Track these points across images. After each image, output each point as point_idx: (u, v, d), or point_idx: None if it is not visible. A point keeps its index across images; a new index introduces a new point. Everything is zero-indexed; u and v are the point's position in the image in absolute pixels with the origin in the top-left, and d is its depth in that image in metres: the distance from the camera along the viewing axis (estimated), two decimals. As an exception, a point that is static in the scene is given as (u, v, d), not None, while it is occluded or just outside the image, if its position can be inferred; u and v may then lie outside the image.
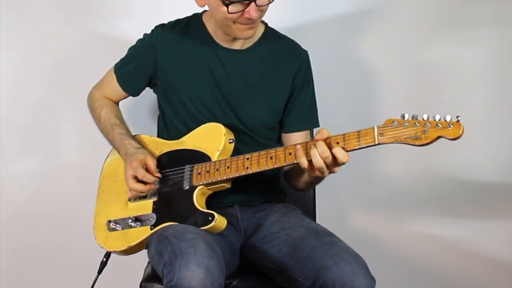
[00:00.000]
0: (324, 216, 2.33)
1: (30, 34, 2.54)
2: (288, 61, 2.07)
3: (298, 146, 1.77)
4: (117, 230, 1.99)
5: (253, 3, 1.85)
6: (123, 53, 2.16)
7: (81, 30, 2.55)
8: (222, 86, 2.02)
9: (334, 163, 1.74)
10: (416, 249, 2.70)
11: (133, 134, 2.12)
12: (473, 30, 2.56)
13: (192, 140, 2.00)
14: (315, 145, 1.74)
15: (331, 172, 1.77)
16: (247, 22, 1.89)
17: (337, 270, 1.72)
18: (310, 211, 2.28)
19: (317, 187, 2.29)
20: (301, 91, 2.08)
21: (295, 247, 1.86)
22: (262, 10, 1.90)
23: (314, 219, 2.28)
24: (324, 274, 1.73)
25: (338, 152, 1.72)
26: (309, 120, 2.12)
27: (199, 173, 1.91)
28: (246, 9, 1.86)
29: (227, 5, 1.86)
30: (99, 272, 2.09)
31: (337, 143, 1.74)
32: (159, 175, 1.95)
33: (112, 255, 2.07)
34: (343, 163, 1.74)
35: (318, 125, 2.13)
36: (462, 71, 2.59)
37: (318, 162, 1.73)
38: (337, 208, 2.68)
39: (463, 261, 2.69)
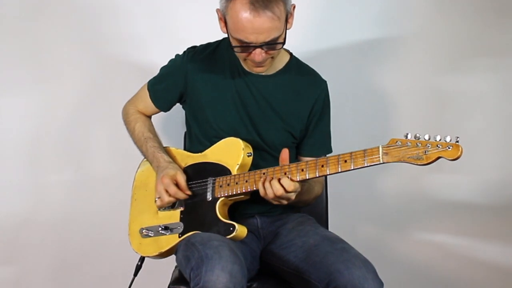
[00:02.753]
0: (336, 225, 2.37)
1: (64, 62, 2.65)
2: (308, 91, 2.12)
3: (263, 178, 1.87)
4: (150, 236, 2.06)
5: (258, 49, 1.89)
6: (147, 74, 2.23)
7: (109, 54, 2.65)
8: (247, 107, 2.07)
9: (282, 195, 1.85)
10: (420, 256, 2.75)
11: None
12: (484, 58, 2.64)
13: (214, 154, 2.07)
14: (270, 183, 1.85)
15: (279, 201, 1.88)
16: (254, 62, 1.96)
17: (348, 274, 1.79)
18: (323, 220, 2.35)
19: (330, 199, 2.37)
20: (319, 120, 2.15)
21: (310, 253, 1.93)
22: (269, 54, 1.94)
23: (327, 228, 2.34)
24: (337, 278, 1.81)
25: (285, 182, 1.84)
26: (324, 147, 2.19)
27: (221, 186, 1.98)
28: (252, 53, 1.92)
29: (232, 48, 1.94)
30: (135, 274, 2.17)
31: (285, 173, 1.85)
32: (189, 192, 2.01)
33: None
34: (290, 192, 1.85)
35: (331, 151, 2.19)
36: (465, 98, 2.66)
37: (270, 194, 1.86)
38: (348, 218, 2.72)
39: (463, 266, 2.75)
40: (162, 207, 2.09)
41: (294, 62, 2.16)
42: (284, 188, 1.86)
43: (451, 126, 2.65)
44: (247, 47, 1.91)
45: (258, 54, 1.91)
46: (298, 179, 1.87)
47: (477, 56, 2.66)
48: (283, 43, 1.93)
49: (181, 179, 2.02)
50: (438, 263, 2.75)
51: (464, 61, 2.67)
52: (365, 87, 2.70)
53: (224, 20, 1.92)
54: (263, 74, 2.07)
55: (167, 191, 2.02)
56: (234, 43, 1.93)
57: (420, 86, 2.70)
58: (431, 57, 2.68)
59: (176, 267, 2.16)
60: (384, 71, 2.69)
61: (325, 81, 2.19)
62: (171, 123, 2.61)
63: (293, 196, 1.89)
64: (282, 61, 2.12)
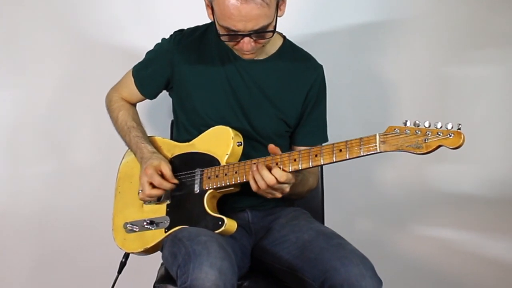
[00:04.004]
0: (332, 219, 2.36)
1: (44, 47, 2.66)
2: (303, 76, 2.11)
3: (254, 168, 1.85)
4: (135, 231, 2.05)
5: (247, 37, 1.89)
6: (130, 59, 2.23)
7: (90, 40, 2.65)
8: (238, 94, 2.07)
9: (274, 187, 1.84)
10: (422, 252, 2.76)
11: (148, 135, 2.16)
12: (489, 43, 2.66)
13: (201, 143, 2.06)
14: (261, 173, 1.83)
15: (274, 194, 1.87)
16: (243, 51, 1.95)
17: (344, 271, 1.78)
18: (318, 215, 2.33)
19: (325, 192, 2.37)
20: (315, 107, 2.14)
21: (304, 249, 1.91)
22: (259, 43, 1.93)
23: (323, 222, 2.33)
24: (332, 276, 1.80)
25: (277, 173, 1.82)
26: (319, 136, 2.18)
27: (209, 177, 1.97)
28: (240, 42, 1.91)
29: (219, 37, 1.93)
30: (119, 272, 2.17)
31: (276, 163, 1.83)
32: (175, 181, 2.00)
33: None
34: (282, 183, 1.83)
35: (327, 140, 2.18)
36: (470, 87, 2.69)
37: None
38: (344, 212, 2.73)
39: (466, 262, 2.76)
40: (145, 200, 2.07)
41: (287, 46, 2.14)
42: (276, 179, 1.84)
43: (453, 114, 2.65)
44: (235, 35, 1.90)
45: (247, 43, 1.91)
46: (290, 170, 1.85)
47: (482, 41, 2.67)
48: (274, 31, 1.92)
49: (166, 168, 2.01)
50: (440, 259, 2.77)
51: (468, 46, 2.68)
52: (362, 73, 2.71)
53: (211, 7, 1.91)
54: (255, 59, 2.06)
55: (151, 183, 2.00)
56: (221, 31, 1.92)
57: (420, 72, 2.70)
58: (432, 42, 2.69)
59: (162, 264, 2.15)
60: (383, 56, 2.69)
61: (321, 66, 2.18)
62: (157, 112, 2.62)
63: (287, 188, 1.88)
64: (275, 45, 2.10)
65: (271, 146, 1.88)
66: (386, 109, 2.72)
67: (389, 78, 2.71)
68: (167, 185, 2.00)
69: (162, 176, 2.00)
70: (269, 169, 1.85)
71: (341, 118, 2.64)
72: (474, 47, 2.68)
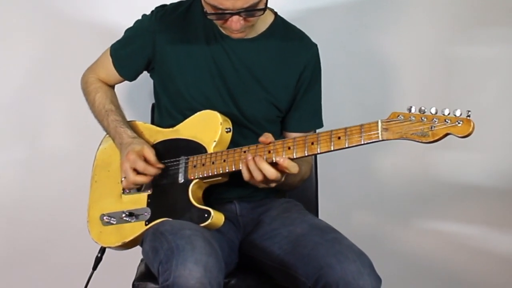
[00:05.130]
0: (327, 212, 2.36)
1: (13, 24, 2.62)
2: (296, 56, 2.09)
3: (249, 157, 1.83)
4: (112, 223, 2.03)
5: (235, 16, 1.87)
6: (108, 38, 2.20)
7: (64, 16, 2.61)
8: (225, 75, 2.05)
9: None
10: (425, 247, 2.76)
11: (128, 120, 2.14)
12: (500, 20, 2.64)
13: (187, 129, 2.03)
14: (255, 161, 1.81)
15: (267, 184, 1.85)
16: (232, 30, 1.93)
17: (340, 269, 1.75)
18: (312, 206, 2.32)
19: (320, 181, 2.36)
20: (309, 90, 2.12)
21: (297, 244, 1.89)
22: (249, 21, 1.92)
23: (317, 215, 2.31)
24: (327, 273, 1.77)
25: (267, 170, 1.80)
26: (314, 121, 2.16)
27: (195, 166, 1.94)
28: (228, 20, 1.90)
29: (205, 15, 1.91)
30: (94, 268, 2.15)
31: (269, 151, 1.81)
32: (161, 165, 1.97)
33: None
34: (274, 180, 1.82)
35: (322, 125, 2.17)
36: (478, 68, 2.66)
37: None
38: (340, 203, 2.73)
39: (473, 258, 2.75)
40: (130, 188, 2.04)
41: (279, 23, 2.11)
42: (279, 171, 1.82)
43: (459, 97, 2.66)
44: (223, 14, 1.88)
45: (236, 22, 1.89)
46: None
47: (491, 18, 2.64)
48: (265, 9, 1.90)
49: (149, 153, 1.97)
50: (444, 255, 2.77)
51: (476, 23, 2.66)
52: (360, 52, 2.69)
53: None
54: (243, 37, 2.03)
55: (135, 169, 1.96)
56: (208, 9, 1.90)
57: (424, 51, 2.68)
58: (438, 18, 2.67)
59: (142, 260, 2.13)
60: (383, 34, 2.68)
61: (316, 45, 2.15)
62: (137, 94, 2.60)
63: (282, 177, 1.86)
64: (265, 22, 2.07)
65: (262, 140, 1.86)
66: (387, 92, 2.71)
67: (390, 58, 2.70)
68: (152, 170, 1.96)
69: (146, 161, 1.98)
70: (268, 161, 1.83)
71: (337, 102, 2.62)
72: (482, 25, 2.66)
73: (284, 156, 1.82)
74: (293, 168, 1.82)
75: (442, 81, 2.70)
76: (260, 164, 1.82)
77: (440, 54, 2.69)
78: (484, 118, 2.42)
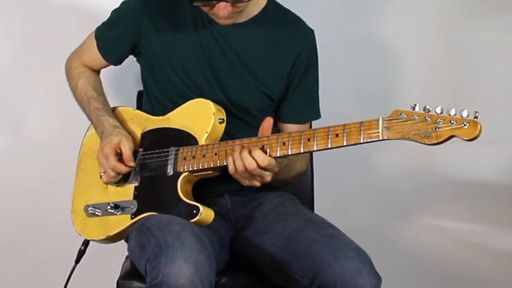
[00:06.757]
0: (323, 206, 2.36)
1: None
2: (290, 42, 2.07)
3: (237, 148, 1.83)
4: (97, 215, 2.02)
5: (222, 2, 1.86)
6: (94, 21, 2.19)
7: (46, 1, 2.60)
8: (213, 62, 2.03)
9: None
10: (427, 244, 2.75)
11: (116, 106, 2.15)
12: (507, 12, 2.63)
13: (178, 118, 2.02)
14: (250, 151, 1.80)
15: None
16: (219, 17, 1.92)
17: (338, 266, 1.74)
18: (308, 201, 2.31)
19: (316, 174, 2.35)
20: (304, 77, 2.09)
21: (291, 240, 1.87)
22: (237, 7, 1.90)
23: (312, 210, 2.31)
24: (324, 271, 1.76)
25: (258, 156, 1.79)
26: (310, 111, 2.14)
27: (184, 158, 1.93)
28: (215, 6, 1.88)
29: (192, 2, 1.89)
30: (77, 261, 2.13)
31: (263, 146, 1.81)
32: (132, 164, 1.96)
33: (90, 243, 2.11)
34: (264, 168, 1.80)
35: (319, 117, 2.16)
36: (485, 54, 2.65)
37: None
38: (338, 197, 2.72)
39: (479, 257, 2.75)
40: (109, 183, 2.03)
41: (272, 7, 2.09)
42: (257, 163, 1.80)
43: (464, 87, 2.62)
44: (209, 0, 1.87)
45: (223, 8, 1.88)
46: (278, 155, 1.82)
47: (499, 3, 2.62)
48: None
49: (126, 147, 1.97)
50: (447, 253, 2.76)
51: (486, 8, 2.64)
52: (359, 39, 2.67)
53: None
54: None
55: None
56: None
57: (426, 37, 2.67)
58: (441, 2, 2.66)
59: (127, 257, 2.11)
60: (384, 19, 2.66)
61: (312, 30, 2.12)
62: (123, 80, 2.58)
63: (268, 176, 1.84)
64: (257, 5, 2.05)
65: (268, 120, 1.87)
66: (387, 80, 2.69)
67: (390, 44, 2.68)
68: (122, 168, 1.96)
69: (121, 153, 1.97)
70: (249, 151, 1.82)
71: (336, 91, 2.60)
72: (490, 11, 2.64)
73: (278, 151, 1.82)
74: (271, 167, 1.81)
75: (445, 68, 2.69)
76: (242, 152, 1.82)
77: (444, 39, 2.68)
78: (491, 109, 2.46)
